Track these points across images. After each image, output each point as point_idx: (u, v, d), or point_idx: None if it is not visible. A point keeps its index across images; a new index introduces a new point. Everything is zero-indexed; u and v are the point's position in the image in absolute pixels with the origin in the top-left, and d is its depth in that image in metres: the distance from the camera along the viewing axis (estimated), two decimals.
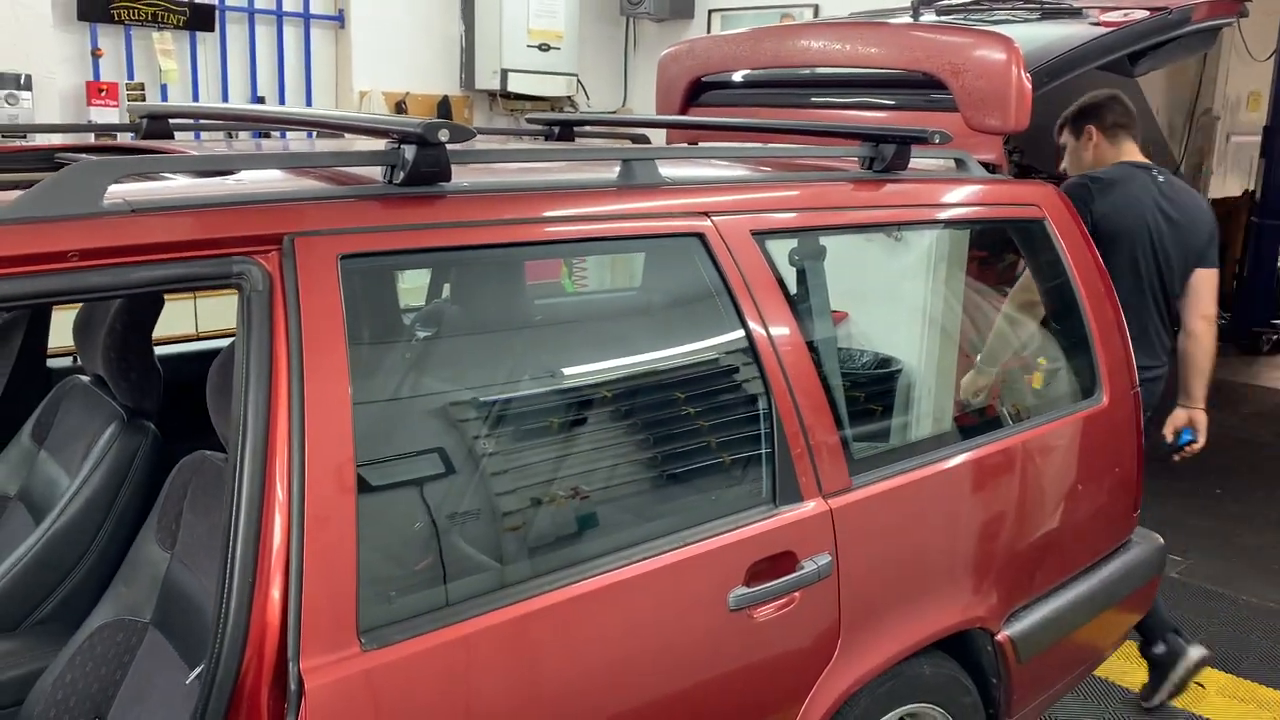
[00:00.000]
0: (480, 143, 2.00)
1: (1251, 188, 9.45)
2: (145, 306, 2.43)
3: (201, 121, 2.74)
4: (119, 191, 1.48)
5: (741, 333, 2.00)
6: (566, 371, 2.05)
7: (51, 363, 2.97)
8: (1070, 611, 2.65)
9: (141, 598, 2.05)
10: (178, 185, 1.67)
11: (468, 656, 1.59)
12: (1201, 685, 3.70)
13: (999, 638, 2.45)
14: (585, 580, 1.72)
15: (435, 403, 1.87)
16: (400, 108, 6.50)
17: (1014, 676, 2.50)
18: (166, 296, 2.38)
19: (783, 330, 2.05)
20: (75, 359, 2.88)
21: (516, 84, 6.67)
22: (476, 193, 1.78)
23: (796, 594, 1.97)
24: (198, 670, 1.66)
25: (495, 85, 6.67)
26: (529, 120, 3.15)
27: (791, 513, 2.00)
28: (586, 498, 1.91)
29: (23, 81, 4.80)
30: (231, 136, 3.27)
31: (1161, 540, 3.03)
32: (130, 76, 5.50)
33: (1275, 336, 9.24)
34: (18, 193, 1.43)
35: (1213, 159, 10.10)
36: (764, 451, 2.03)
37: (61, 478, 2.51)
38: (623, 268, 2.74)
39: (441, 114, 6.61)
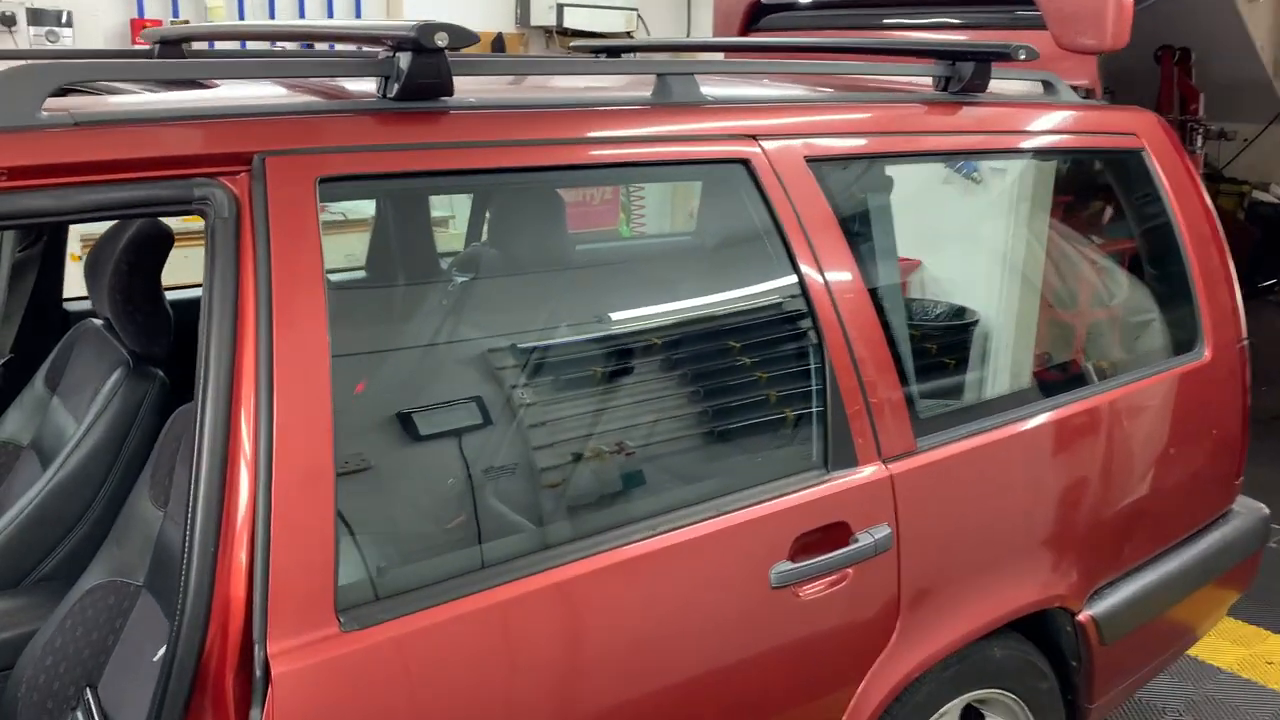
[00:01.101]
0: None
1: None
2: (150, 243, 2.26)
3: (215, 45, 2.55)
4: (63, 104, 1.29)
5: (792, 276, 1.76)
6: (589, 323, 1.83)
7: (70, 305, 2.83)
8: (1162, 589, 2.38)
9: (134, 558, 1.89)
10: (138, 98, 1.47)
11: (466, 639, 1.39)
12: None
13: (1080, 618, 2.19)
14: (605, 552, 1.51)
15: (427, 350, 1.67)
16: None
17: (1096, 660, 2.24)
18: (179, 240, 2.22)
19: (841, 273, 1.79)
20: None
21: (573, 19, 6.40)
22: (483, 109, 1.55)
23: (849, 570, 1.74)
24: (162, 649, 1.49)
25: (551, 21, 6.41)
26: (573, 49, 2.91)
27: (846, 479, 1.76)
28: (610, 460, 1.70)
29: (64, 19, 4.68)
30: None
31: (1266, 510, 2.73)
32: (175, 14, 5.36)
33: None
34: None
35: None
36: (815, 409, 1.79)
37: (69, 425, 2.37)
38: (680, 205, 2.50)
39: (496, 51, 6.38)
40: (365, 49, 1.64)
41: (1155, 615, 2.39)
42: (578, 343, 1.80)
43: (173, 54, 2.34)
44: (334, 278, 1.39)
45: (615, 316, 1.85)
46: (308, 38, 1.80)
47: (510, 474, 1.61)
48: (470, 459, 1.58)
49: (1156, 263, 2.53)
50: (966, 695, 2.06)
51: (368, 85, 1.54)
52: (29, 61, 1.32)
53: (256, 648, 1.25)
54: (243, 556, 1.26)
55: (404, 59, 1.45)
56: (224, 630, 1.25)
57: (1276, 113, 7.85)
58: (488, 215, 2.38)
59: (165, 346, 2.31)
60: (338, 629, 1.30)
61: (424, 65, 1.45)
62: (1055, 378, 2.32)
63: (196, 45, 2.54)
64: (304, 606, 1.28)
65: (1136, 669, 2.46)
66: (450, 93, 1.50)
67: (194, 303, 2.67)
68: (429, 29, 1.40)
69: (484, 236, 2.46)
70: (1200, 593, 2.52)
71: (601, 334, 1.82)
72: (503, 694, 1.43)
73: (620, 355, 1.79)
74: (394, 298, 1.74)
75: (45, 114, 1.24)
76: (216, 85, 1.60)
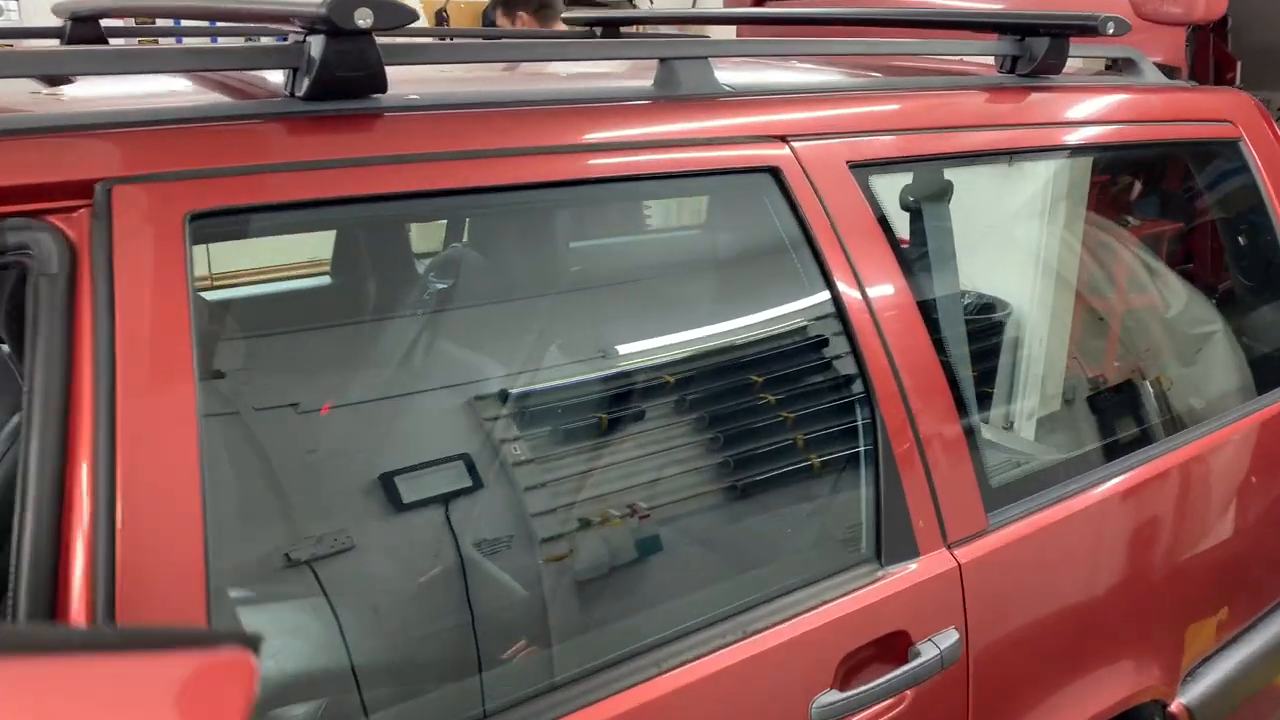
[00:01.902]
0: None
1: None
2: None
3: (137, 24, 2.15)
4: None
5: (834, 317, 1.37)
6: (557, 377, 1.43)
7: None
8: (1261, 661, 2.00)
9: None
10: None
11: None
12: None
13: (1173, 708, 1.82)
14: (594, 705, 1.13)
15: (338, 461, 1.28)
16: (440, 18, 5.83)
17: None
18: None
19: (895, 311, 1.41)
20: None
21: None
22: (428, 109, 1.16)
23: (907, 692, 1.37)
24: None
25: None
26: (565, 20, 2.51)
27: (904, 574, 1.38)
28: (606, 566, 1.32)
29: None
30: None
31: None
32: None
33: None
34: None
35: None
36: (864, 484, 1.41)
37: None
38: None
39: (486, 23, 5.94)
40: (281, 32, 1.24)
41: (1254, 691, 2.02)
42: (561, 409, 1.41)
43: (87, 32, 1.96)
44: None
45: (611, 370, 1.46)
46: (203, 16, 1.42)
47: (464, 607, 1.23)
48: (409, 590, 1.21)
49: (1254, 275, 2.14)
50: None
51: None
52: None
53: None
54: None
55: (316, 45, 1.06)
56: None
57: None
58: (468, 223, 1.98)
59: None
60: None
61: (343, 53, 1.07)
62: (1142, 423, 1.94)
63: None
64: None
65: None
66: (382, 88, 1.12)
67: None
68: (347, 4, 1.02)
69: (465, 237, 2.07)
70: None
71: (593, 395, 1.43)
72: None
73: (616, 421, 1.41)
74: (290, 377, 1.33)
75: None
76: (66, 81, 1.22)
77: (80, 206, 0.94)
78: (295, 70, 1.10)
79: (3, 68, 1.14)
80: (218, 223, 0.99)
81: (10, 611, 0.88)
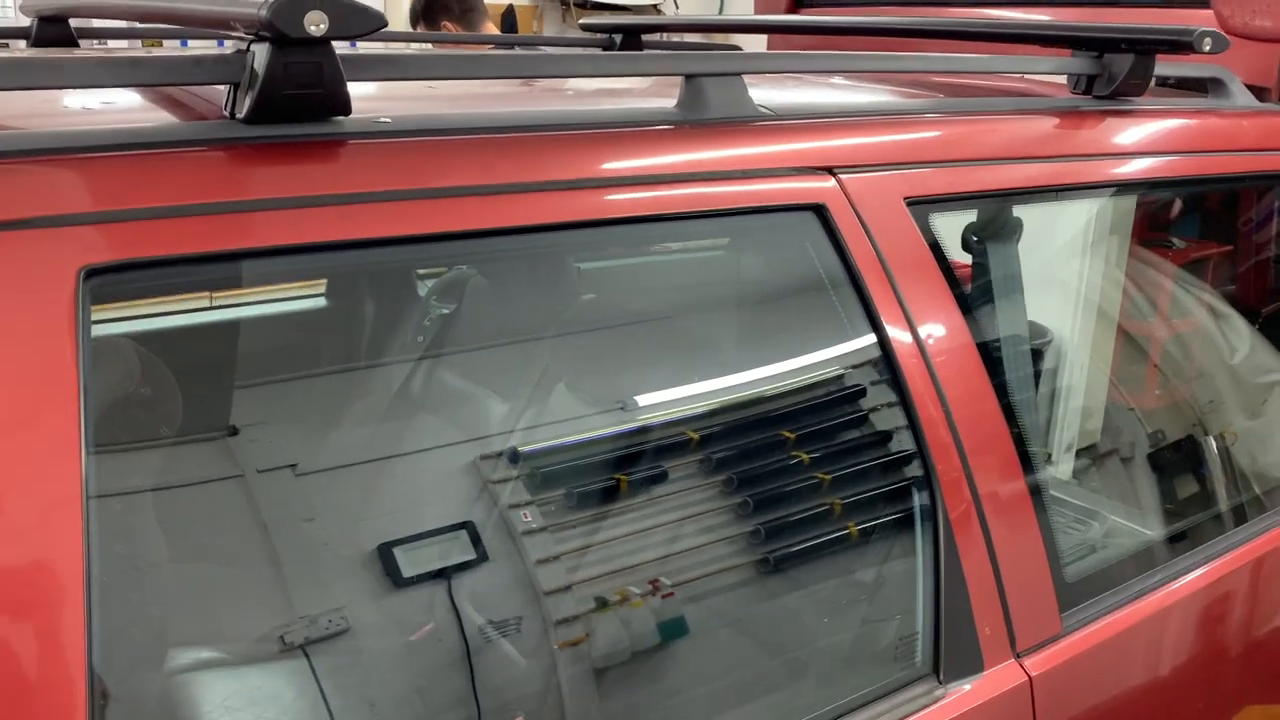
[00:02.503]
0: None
1: None
2: None
3: (110, 24, 1.96)
4: None
5: (890, 385, 1.15)
6: (577, 434, 1.21)
7: None
8: None
9: None
10: None
11: None
12: None
13: None
14: None
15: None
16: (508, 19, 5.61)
17: None
18: None
19: (960, 375, 1.19)
20: None
21: None
22: (402, 136, 0.95)
23: None
24: None
25: None
26: (583, 26, 2.31)
27: (967, 691, 1.16)
28: (605, 654, 1.11)
29: None
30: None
31: None
32: None
33: None
34: None
35: None
36: (921, 581, 1.19)
37: None
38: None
39: (506, 26, 5.74)
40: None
41: None
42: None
43: (55, 32, 1.79)
44: None
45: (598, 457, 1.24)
46: (143, 17, 1.21)
47: None
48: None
49: None
50: None
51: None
52: None
53: None
54: None
55: (261, 55, 0.86)
56: None
57: None
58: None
59: None
60: None
61: (294, 66, 0.86)
62: (1233, 502, 1.70)
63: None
64: None
65: None
66: (345, 110, 0.91)
67: None
68: (293, 7, 0.81)
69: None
70: None
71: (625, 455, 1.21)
72: None
73: (634, 511, 1.19)
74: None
75: None
76: None
77: None
78: (235, 86, 0.89)
79: None
80: (118, 283, 0.78)
81: None
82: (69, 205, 0.78)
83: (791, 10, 2.69)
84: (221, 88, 0.92)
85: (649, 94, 1.31)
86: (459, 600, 1.10)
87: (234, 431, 1.08)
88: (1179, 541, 1.52)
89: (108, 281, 0.78)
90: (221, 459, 1.06)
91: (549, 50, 2.10)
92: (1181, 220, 2.07)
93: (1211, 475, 1.76)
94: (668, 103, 1.16)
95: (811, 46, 2.27)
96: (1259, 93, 1.87)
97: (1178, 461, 1.76)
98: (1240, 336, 2.06)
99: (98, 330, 0.77)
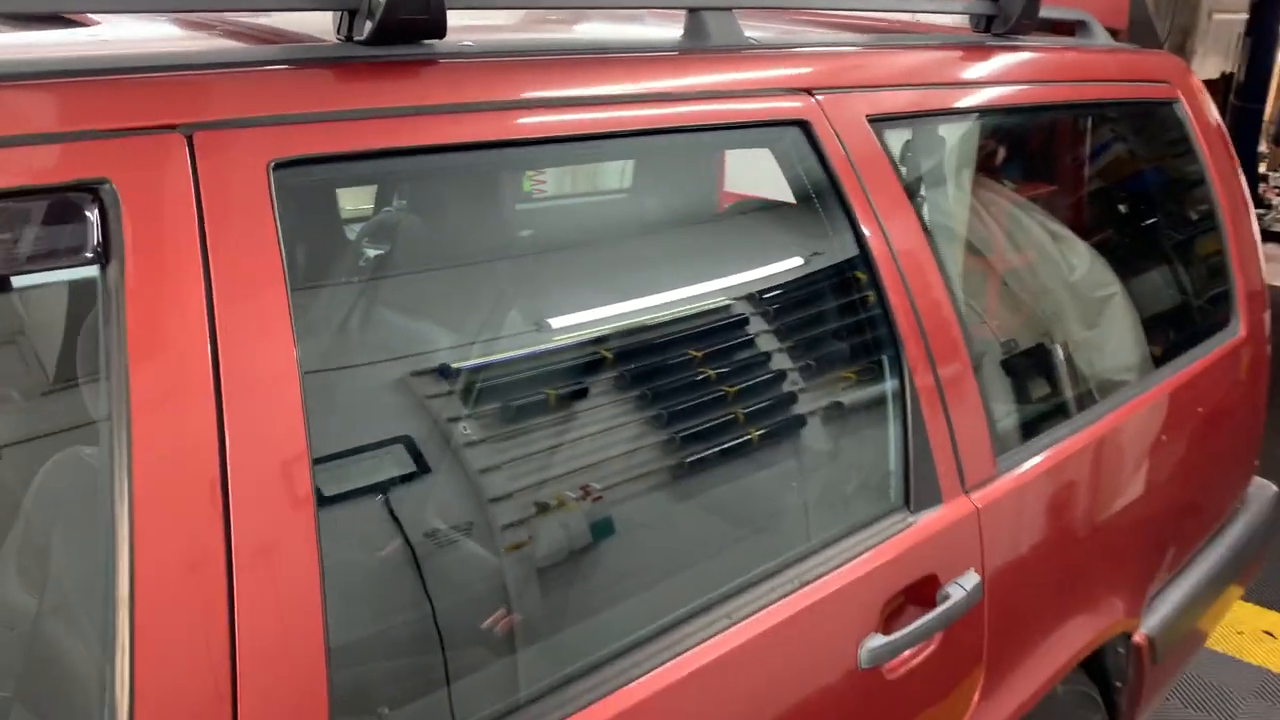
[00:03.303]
0: None
1: (1231, 69, 8.96)
2: None
3: None
4: None
5: (863, 268, 1.39)
6: (621, 328, 1.40)
7: None
8: (1204, 588, 2.14)
9: None
10: None
11: None
12: (1272, 635, 3.30)
13: (1136, 638, 1.93)
14: (664, 666, 1.12)
15: (443, 382, 1.22)
16: None
17: (1145, 679, 2.00)
18: None
19: (919, 262, 1.44)
20: None
21: None
22: (487, 57, 1.12)
23: (937, 635, 1.41)
24: None
25: None
26: None
27: (932, 520, 1.42)
28: (651, 523, 1.31)
29: None
30: None
31: (1275, 488, 2.54)
32: None
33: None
34: None
35: (1195, 38, 9.55)
36: (893, 434, 1.44)
37: None
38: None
39: None
40: None
41: (1196, 618, 2.16)
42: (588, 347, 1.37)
43: None
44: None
45: (631, 313, 1.43)
46: None
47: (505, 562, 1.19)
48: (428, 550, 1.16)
49: (1188, 229, 2.26)
50: None
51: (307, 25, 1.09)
52: None
53: None
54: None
55: None
56: None
57: (1156, 49, 7.88)
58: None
59: None
60: None
61: None
62: (1111, 370, 2.03)
63: None
64: None
65: (1169, 681, 2.24)
66: (442, 34, 1.07)
67: None
68: None
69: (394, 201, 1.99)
70: (1231, 586, 2.31)
71: (617, 336, 1.40)
72: None
73: (643, 374, 1.38)
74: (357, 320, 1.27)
75: None
76: (95, 23, 1.12)
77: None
78: (353, 13, 1.04)
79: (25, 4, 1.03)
80: (299, 173, 0.93)
81: None
82: (261, 108, 0.92)
83: None
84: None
85: (650, 24, 1.49)
86: (400, 510, 1.22)
87: None
88: (1059, 414, 1.82)
89: (289, 177, 0.92)
90: None
91: None
92: (1044, 153, 2.39)
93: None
94: (675, 33, 1.35)
95: None
96: (1113, 34, 2.19)
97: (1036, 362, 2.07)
98: (1079, 256, 2.40)
99: (282, 207, 0.91)
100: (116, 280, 0.82)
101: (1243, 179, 2.23)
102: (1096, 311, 2.17)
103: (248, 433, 0.85)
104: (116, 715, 0.80)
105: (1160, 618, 2.00)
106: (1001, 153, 2.01)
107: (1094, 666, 1.93)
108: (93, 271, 0.82)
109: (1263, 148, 9.72)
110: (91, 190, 0.82)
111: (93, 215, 0.82)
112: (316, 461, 0.88)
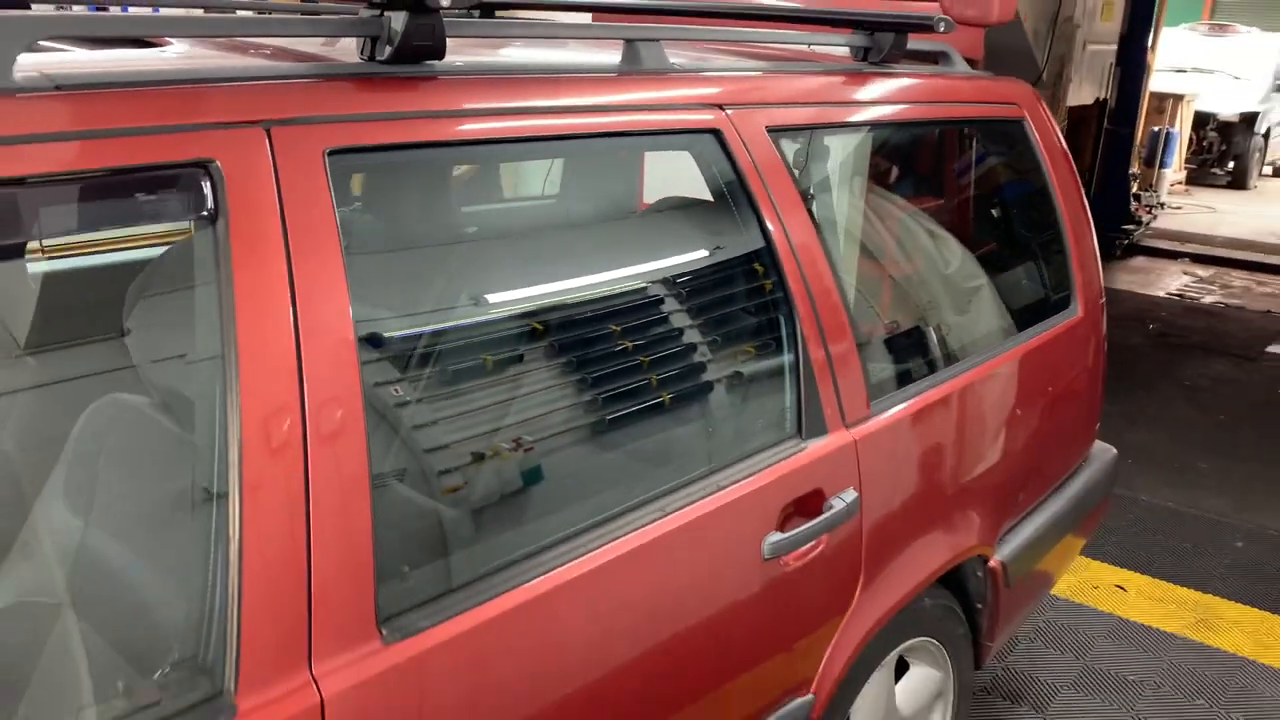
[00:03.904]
0: None
1: (1104, 96, 9.68)
2: None
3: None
4: (31, 63, 1.10)
5: (763, 247, 1.76)
6: (580, 292, 1.74)
7: None
8: (1050, 529, 2.56)
9: (48, 574, 1.68)
10: (91, 58, 1.28)
11: (490, 641, 1.32)
12: (1123, 588, 3.77)
13: (992, 563, 2.33)
14: (623, 538, 1.46)
15: (449, 329, 1.55)
16: None
17: (1001, 601, 2.40)
18: None
19: (806, 244, 1.81)
20: None
21: None
22: (477, 74, 1.45)
23: (824, 536, 1.78)
24: (158, 674, 1.33)
25: None
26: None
27: (819, 446, 1.79)
28: (611, 444, 1.65)
29: None
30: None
31: (1115, 451, 2.99)
32: None
33: (1126, 241, 9.61)
34: None
35: (1071, 66, 10.28)
36: (789, 381, 1.80)
37: None
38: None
39: None
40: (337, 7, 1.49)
41: (1043, 554, 2.57)
42: (573, 311, 1.71)
43: None
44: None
45: (586, 286, 1.77)
46: None
47: (509, 461, 1.52)
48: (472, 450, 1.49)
49: (1033, 225, 2.69)
50: (903, 645, 2.15)
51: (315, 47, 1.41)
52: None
53: (305, 670, 1.14)
54: (276, 569, 1.14)
55: (397, 19, 1.33)
56: (257, 657, 1.13)
57: (1036, 76, 8.56)
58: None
59: None
60: (380, 643, 1.20)
61: (421, 27, 1.34)
62: (968, 337, 2.43)
63: None
64: (347, 623, 1.18)
65: (1022, 609, 2.65)
66: (441, 56, 1.40)
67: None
68: None
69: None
70: (1071, 534, 2.73)
71: (578, 303, 1.74)
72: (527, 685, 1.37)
73: (616, 332, 1.72)
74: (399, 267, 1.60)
75: (20, 76, 1.06)
76: (167, 44, 1.42)
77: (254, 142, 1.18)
78: (374, 39, 1.36)
79: (102, 27, 1.33)
80: (345, 158, 1.25)
81: None
82: (313, 110, 1.23)
83: None
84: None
85: (589, 52, 1.83)
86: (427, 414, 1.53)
87: None
88: (926, 372, 2.21)
89: (338, 161, 1.24)
90: None
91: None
92: (915, 165, 2.81)
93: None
94: (612, 59, 1.70)
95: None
96: (971, 63, 2.61)
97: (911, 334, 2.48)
98: (953, 252, 2.82)
99: (334, 183, 1.23)
100: (224, 229, 1.13)
101: (1080, 188, 2.66)
102: (967, 300, 2.58)
103: (316, 331, 1.16)
104: (228, 578, 1.09)
105: (1011, 548, 2.41)
106: (882, 164, 2.41)
107: (957, 587, 2.33)
108: (208, 223, 1.13)
109: (1135, 169, 10.51)
110: (204, 166, 1.13)
111: (206, 184, 1.13)
112: (364, 364, 1.20)
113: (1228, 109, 13.10)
